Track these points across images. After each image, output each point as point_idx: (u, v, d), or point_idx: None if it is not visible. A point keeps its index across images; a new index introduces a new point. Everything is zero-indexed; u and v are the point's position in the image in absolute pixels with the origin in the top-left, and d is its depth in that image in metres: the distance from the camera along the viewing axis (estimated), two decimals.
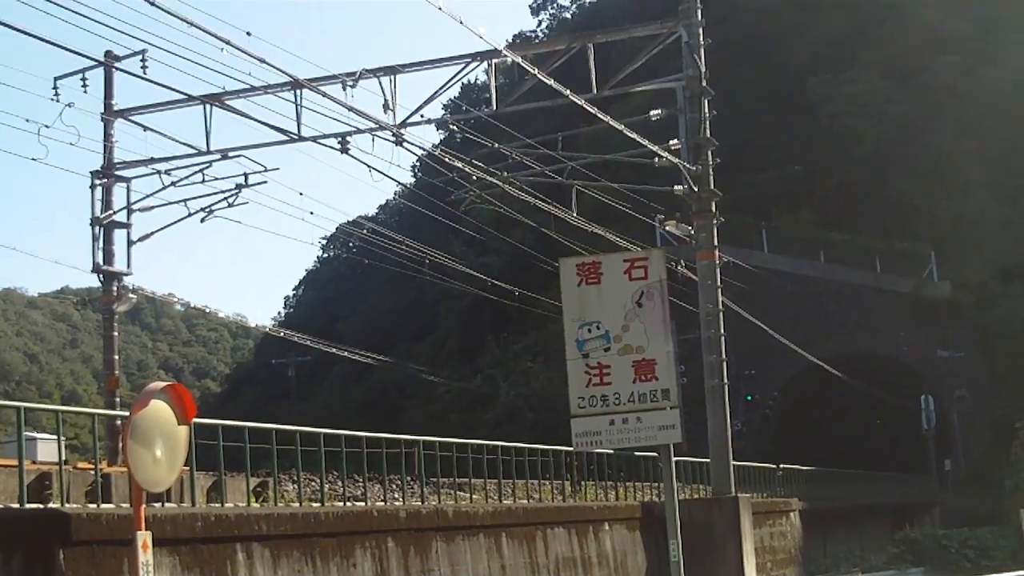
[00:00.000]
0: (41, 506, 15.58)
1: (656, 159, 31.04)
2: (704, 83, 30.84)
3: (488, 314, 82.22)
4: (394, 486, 25.22)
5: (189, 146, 32.38)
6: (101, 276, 33.12)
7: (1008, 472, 50.68)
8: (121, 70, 30.41)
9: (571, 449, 25.45)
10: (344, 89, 28.90)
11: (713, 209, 31.57)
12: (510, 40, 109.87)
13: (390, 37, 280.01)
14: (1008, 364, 66.08)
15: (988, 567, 44.78)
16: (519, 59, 28.30)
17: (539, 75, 28.01)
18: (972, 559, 45.33)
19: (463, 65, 30.64)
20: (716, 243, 31.87)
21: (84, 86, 31.03)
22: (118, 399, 33.00)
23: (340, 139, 29.10)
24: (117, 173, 33.18)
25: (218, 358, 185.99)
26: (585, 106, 28.94)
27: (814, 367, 61.29)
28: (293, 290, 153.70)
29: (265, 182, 33.55)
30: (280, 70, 23.56)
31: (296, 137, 30.09)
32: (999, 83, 78.00)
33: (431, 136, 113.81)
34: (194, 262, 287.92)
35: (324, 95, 26.53)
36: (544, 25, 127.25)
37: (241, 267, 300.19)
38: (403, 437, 24.25)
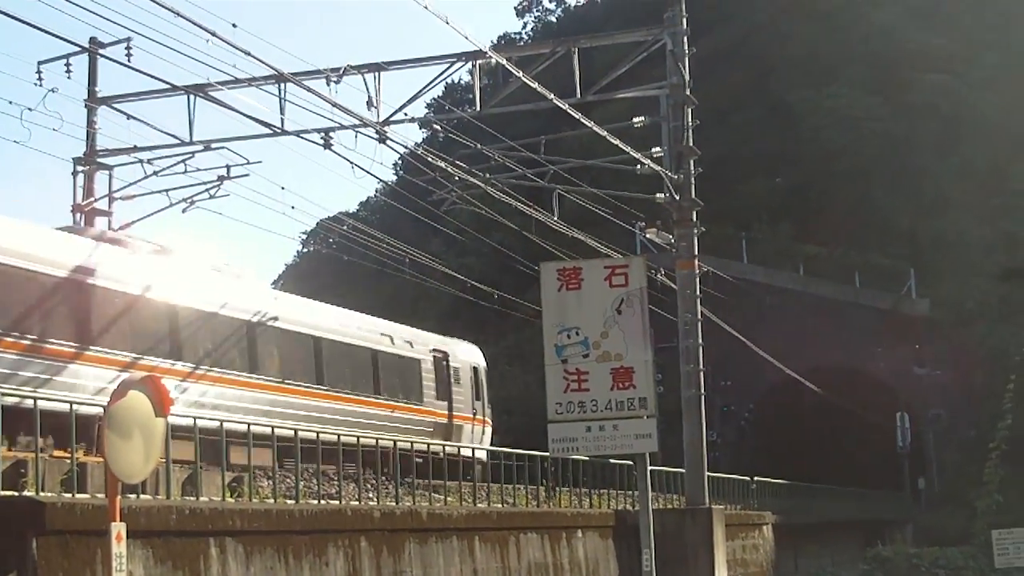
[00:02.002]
0: (15, 494, 15.44)
1: (639, 166, 31.03)
2: (688, 92, 30.81)
3: (466, 316, 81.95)
4: (368, 485, 25.11)
5: (172, 136, 32.32)
6: None
7: (980, 493, 50.75)
8: (106, 57, 30.23)
9: (547, 454, 25.42)
10: (328, 84, 28.92)
11: (694, 219, 31.54)
12: (495, 41, 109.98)
13: (375, 34, 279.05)
14: (984, 384, 66.05)
15: None
16: (504, 61, 28.31)
17: (523, 78, 27.99)
18: None
19: (448, 65, 30.60)
20: (696, 253, 31.86)
21: (68, 72, 30.97)
22: None
23: (323, 134, 28.93)
24: (99, 160, 33.10)
25: None
26: (568, 111, 28.90)
27: (790, 380, 61.28)
28: (272, 284, 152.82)
29: (247, 175, 33.49)
30: (265, 63, 23.50)
31: (279, 131, 29.99)
32: (982, 104, 78.36)
33: (414, 135, 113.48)
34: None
35: (308, 90, 26.54)
36: (529, 28, 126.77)
37: (221, 259, 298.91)
38: (379, 435, 24.11)
